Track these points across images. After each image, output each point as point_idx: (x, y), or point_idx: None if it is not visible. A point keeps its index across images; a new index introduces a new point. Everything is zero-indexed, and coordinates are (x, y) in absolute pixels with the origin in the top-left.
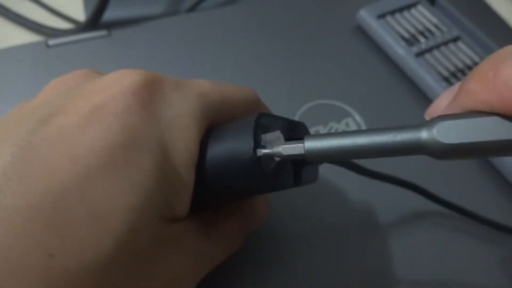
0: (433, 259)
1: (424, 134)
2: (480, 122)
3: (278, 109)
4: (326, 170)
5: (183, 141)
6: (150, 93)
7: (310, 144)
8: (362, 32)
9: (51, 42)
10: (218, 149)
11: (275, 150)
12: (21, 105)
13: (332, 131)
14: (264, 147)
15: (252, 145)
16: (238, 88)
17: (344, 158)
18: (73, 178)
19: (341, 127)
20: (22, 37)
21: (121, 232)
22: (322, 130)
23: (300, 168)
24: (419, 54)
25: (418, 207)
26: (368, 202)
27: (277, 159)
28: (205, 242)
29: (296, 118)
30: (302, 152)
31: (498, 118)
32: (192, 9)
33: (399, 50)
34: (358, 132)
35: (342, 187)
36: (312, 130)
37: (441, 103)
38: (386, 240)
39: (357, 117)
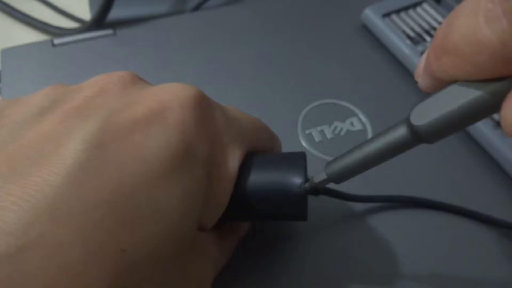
0: (433, 255)
1: (404, 127)
2: (443, 94)
3: (283, 108)
4: None
5: (223, 159)
6: (202, 111)
7: (329, 170)
8: (367, 31)
9: (57, 41)
10: (270, 177)
11: (312, 182)
12: (62, 92)
13: (337, 130)
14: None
15: (303, 181)
16: (256, 118)
17: (361, 170)
18: (141, 180)
19: (346, 126)
20: (29, 36)
21: (176, 232)
22: (327, 129)
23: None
24: None
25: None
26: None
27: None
28: (219, 250)
29: (301, 118)
30: (326, 177)
31: (456, 86)
32: (197, 8)
33: (405, 49)
34: (364, 143)
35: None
36: (317, 130)
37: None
38: (386, 237)
39: (362, 117)
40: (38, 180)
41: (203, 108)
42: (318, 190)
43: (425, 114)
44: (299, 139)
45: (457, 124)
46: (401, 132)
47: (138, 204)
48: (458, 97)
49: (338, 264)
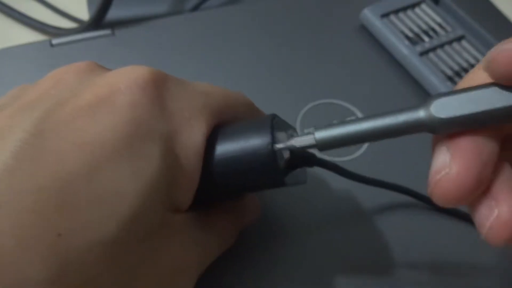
0: (429, 253)
1: (422, 112)
2: (473, 95)
3: (282, 108)
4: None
5: (187, 134)
6: (155, 88)
7: (320, 134)
8: (366, 31)
9: (55, 41)
10: (233, 145)
11: (288, 143)
12: (23, 88)
13: None
14: (278, 142)
15: (270, 140)
16: (234, 92)
17: (352, 143)
18: (81, 164)
19: None
20: (26, 36)
21: (124, 216)
22: None
23: (292, 169)
24: (423, 53)
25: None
26: (362, 195)
27: (285, 156)
28: (205, 235)
29: (300, 117)
30: (314, 142)
31: (492, 89)
32: (195, 8)
33: (403, 49)
34: (363, 118)
35: (337, 178)
36: None
37: None
38: (382, 234)
39: (361, 116)
40: None
41: (158, 86)
42: (311, 160)
43: (450, 108)
44: None
45: (478, 124)
46: (414, 116)
47: (77, 188)
48: (494, 100)
49: (335, 262)
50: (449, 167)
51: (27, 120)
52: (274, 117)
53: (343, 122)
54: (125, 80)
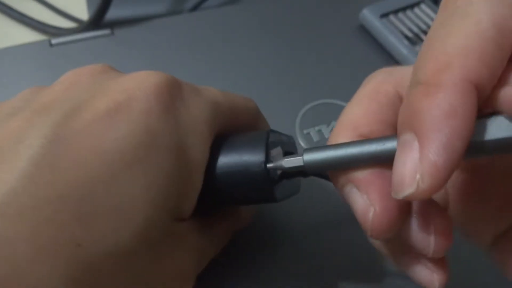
0: None
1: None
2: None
3: (281, 108)
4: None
5: (197, 145)
6: (170, 97)
7: (308, 157)
8: (365, 32)
9: (55, 41)
10: (230, 159)
11: (278, 163)
12: (36, 90)
13: None
14: (271, 162)
15: (264, 160)
16: (242, 99)
17: (339, 167)
18: (99, 173)
19: None
20: (26, 36)
21: (137, 225)
22: (325, 129)
23: (287, 179)
24: None
25: None
26: None
27: (278, 172)
28: (204, 240)
29: (299, 118)
30: (302, 164)
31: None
32: (194, 8)
33: (403, 50)
34: (352, 143)
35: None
36: (315, 129)
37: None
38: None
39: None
40: None
41: (172, 95)
42: (304, 172)
43: None
44: (297, 138)
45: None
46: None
47: (96, 197)
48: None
49: (330, 265)
50: (371, 205)
51: (45, 124)
52: (269, 133)
53: (332, 146)
54: (142, 86)
